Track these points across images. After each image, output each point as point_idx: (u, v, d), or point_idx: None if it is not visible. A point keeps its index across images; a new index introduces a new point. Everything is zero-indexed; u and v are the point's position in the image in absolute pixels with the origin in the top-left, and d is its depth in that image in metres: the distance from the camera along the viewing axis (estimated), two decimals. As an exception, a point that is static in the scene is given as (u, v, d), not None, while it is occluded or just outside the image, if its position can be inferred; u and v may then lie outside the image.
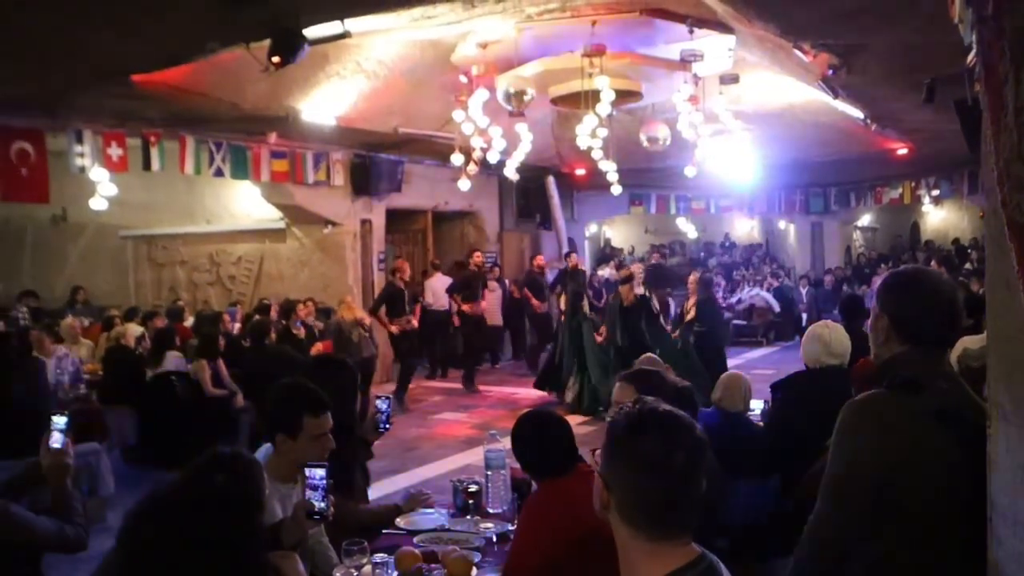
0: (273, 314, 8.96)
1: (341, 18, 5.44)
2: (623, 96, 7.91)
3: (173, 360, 6.93)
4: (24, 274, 10.91)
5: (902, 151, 11.33)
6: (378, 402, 3.33)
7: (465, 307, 10.85)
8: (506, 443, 3.05)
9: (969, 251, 16.44)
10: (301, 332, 8.62)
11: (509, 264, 13.89)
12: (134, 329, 8.21)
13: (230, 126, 8.57)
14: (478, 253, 11.78)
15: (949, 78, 6.45)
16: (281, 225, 10.98)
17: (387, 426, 3.32)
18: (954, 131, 7.80)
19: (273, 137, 9.08)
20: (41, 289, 10.59)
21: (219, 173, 8.84)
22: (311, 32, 5.30)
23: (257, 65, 5.93)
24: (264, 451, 2.68)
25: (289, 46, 4.97)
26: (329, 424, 2.62)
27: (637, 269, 10.15)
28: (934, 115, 8.05)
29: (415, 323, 9.94)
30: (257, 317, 8.55)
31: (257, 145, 9.10)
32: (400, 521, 2.91)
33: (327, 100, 8.22)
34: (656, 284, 10.96)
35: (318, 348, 8.54)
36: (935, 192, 14.13)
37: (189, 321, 9.22)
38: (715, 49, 7.41)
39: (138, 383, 6.75)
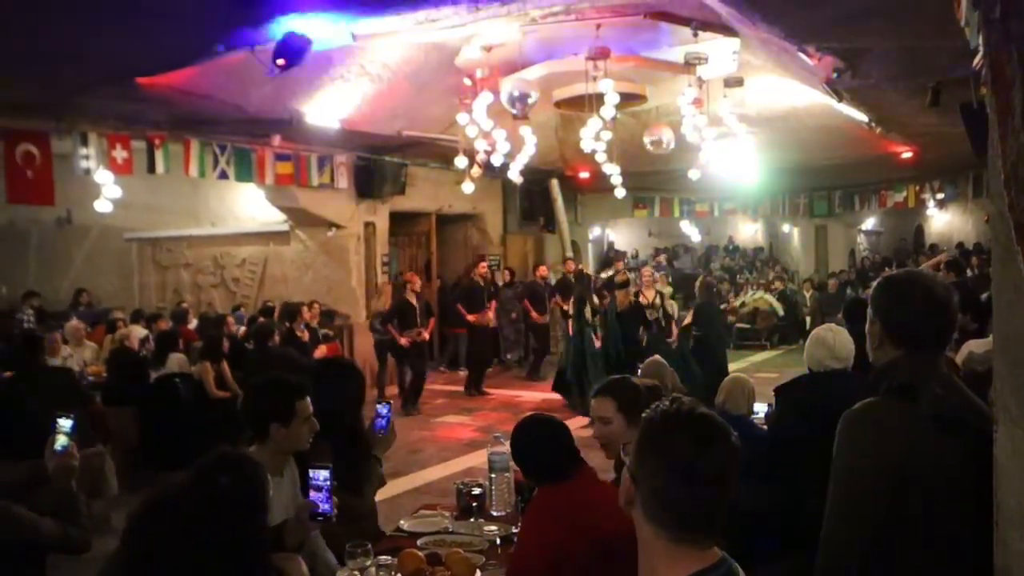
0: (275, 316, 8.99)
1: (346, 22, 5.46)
2: (627, 99, 7.91)
3: (176, 362, 6.93)
4: (29, 276, 10.93)
5: (907, 154, 11.31)
6: (379, 407, 3.31)
7: (471, 318, 10.82)
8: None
9: (972, 256, 16.42)
10: (305, 335, 8.62)
11: (512, 267, 13.87)
12: (138, 331, 8.22)
13: (234, 128, 8.59)
14: (483, 264, 11.73)
15: (954, 81, 6.45)
16: (285, 228, 11.00)
17: (385, 433, 3.27)
18: (959, 134, 7.80)
19: (277, 140, 9.10)
20: (45, 291, 10.61)
21: (223, 176, 8.85)
22: (315, 35, 5.31)
23: (261, 68, 5.95)
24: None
25: (294, 50, 4.97)
26: (311, 406, 2.72)
27: (648, 273, 10.18)
28: (939, 118, 8.03)
29: (426, 335, 9.94)
30: (261, 320, 8.55)
31: (261, 148, 9.12)
32: (404, 523, 2.91)
33: (331, 103, 8.23)
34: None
35: (322, 351, 8.55)
36: (940, 196, 14.13)
37: (193, 323, 9.23)
38: (719, 52, 7.40)
39: (142, 385, 6.75)
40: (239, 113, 7.85)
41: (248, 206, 11.02)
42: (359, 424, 3.19)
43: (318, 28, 5.19)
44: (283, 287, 10.98)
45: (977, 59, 4.38)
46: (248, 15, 4.97)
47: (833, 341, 3.59)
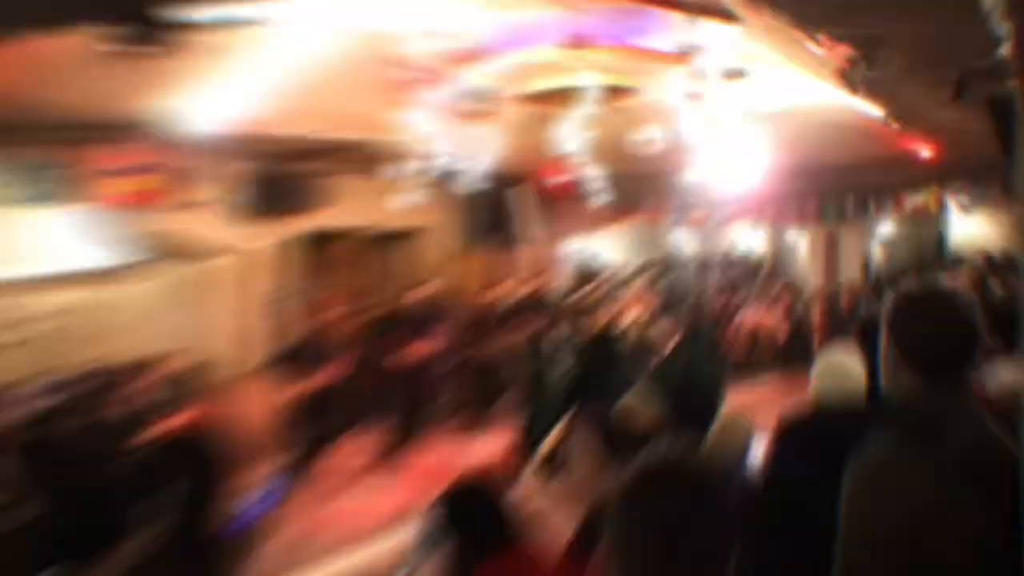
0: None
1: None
2: (611, 93, 8.03)
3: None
4: None
5: (926, 153, 11.64)
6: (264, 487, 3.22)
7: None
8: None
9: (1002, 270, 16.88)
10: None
11: (472, 289, 13.70)
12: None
13: (58, 136, 7.99)
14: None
15: (980, 72, 6.70)
16: (129, 261, 9.92)
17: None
18: (985, 132, 8.08)
19: (125, 149, 8.55)
20: None
21: (38, 200, 8.21)
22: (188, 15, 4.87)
23: (91, 54, 5.41)
24: None
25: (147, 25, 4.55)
26: None
27: (634, 295, 10.32)
28: (963, 114, 8.31)
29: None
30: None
31: (96, 160, 8.50)
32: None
33: (214, 99, 7.59)
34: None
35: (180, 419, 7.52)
36: (964, 200, 14.52)
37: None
38: (718, 41, 7.58)
39: None
40: (69, 114, 7.31)
41: (66, 238, 9.65)
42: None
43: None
44: (124, 340, 9.70)
45: (1004, 48, 4.60)
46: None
47: (843, 368, 3.66)
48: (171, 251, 9.96)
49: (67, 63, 5.98)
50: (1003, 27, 4.22)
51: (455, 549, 2.62)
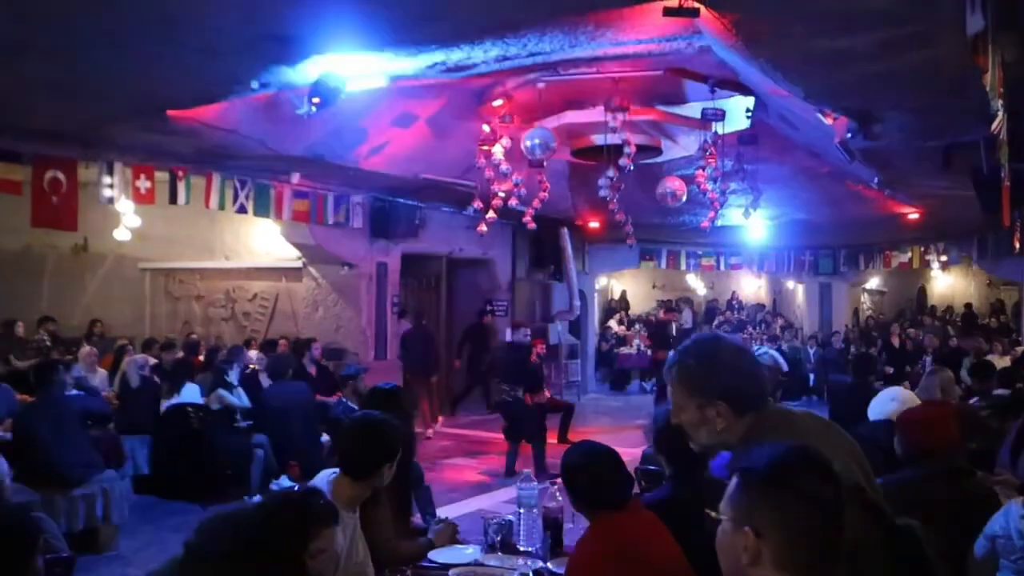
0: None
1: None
2: (642, 151, 8.05)
3: (192, 392, 6.93)
4: (43, 301, 10.96)
5: (913, 215, 11.45)
6: None
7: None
8: (538, 483, 3.06)
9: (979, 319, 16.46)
10: (313, 371, 8.63)
11: (520, 313, 13.88)
12: (147, 359, 8.14)
13: (256, 164, 8.68)
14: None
15: (964, 145, 6.59)
16: (298, 264, 11.06)
17: None
18: (966, 197, 7.89)
19: (296, 177, 9.17)
20: (58, 317, 10.64)
21: (242, 210, 8.90)
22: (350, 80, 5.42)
23: (285, 105, 6.04)
24: (326, 476, 2.73)
25: (330, 91, 5.09)
26: None
27: None
28: (948, 181, 8.17)
29: None
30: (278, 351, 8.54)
31: (280, 184, 9.20)
32: (434, 555, 2.90)
33: (351, 143, 8.31)
34: None
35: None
36: (943, 258, 14.23)
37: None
38: (735, 109, 7.57)
39: (153, 413, 6.74)
40: (262, 149, 7.96)
41: (262, 241, 11.11)
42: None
43: (353, 70, 5.31)
44: (292, 323, 10.98)
45: (995, 123, 4.45)
46: (285, 53, 5.09)
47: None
48: (320, 258, 10.70)
49: (268, 110, 6.64)
50: (996, 104, 4.12)
51: (573, 501, 2.52)
